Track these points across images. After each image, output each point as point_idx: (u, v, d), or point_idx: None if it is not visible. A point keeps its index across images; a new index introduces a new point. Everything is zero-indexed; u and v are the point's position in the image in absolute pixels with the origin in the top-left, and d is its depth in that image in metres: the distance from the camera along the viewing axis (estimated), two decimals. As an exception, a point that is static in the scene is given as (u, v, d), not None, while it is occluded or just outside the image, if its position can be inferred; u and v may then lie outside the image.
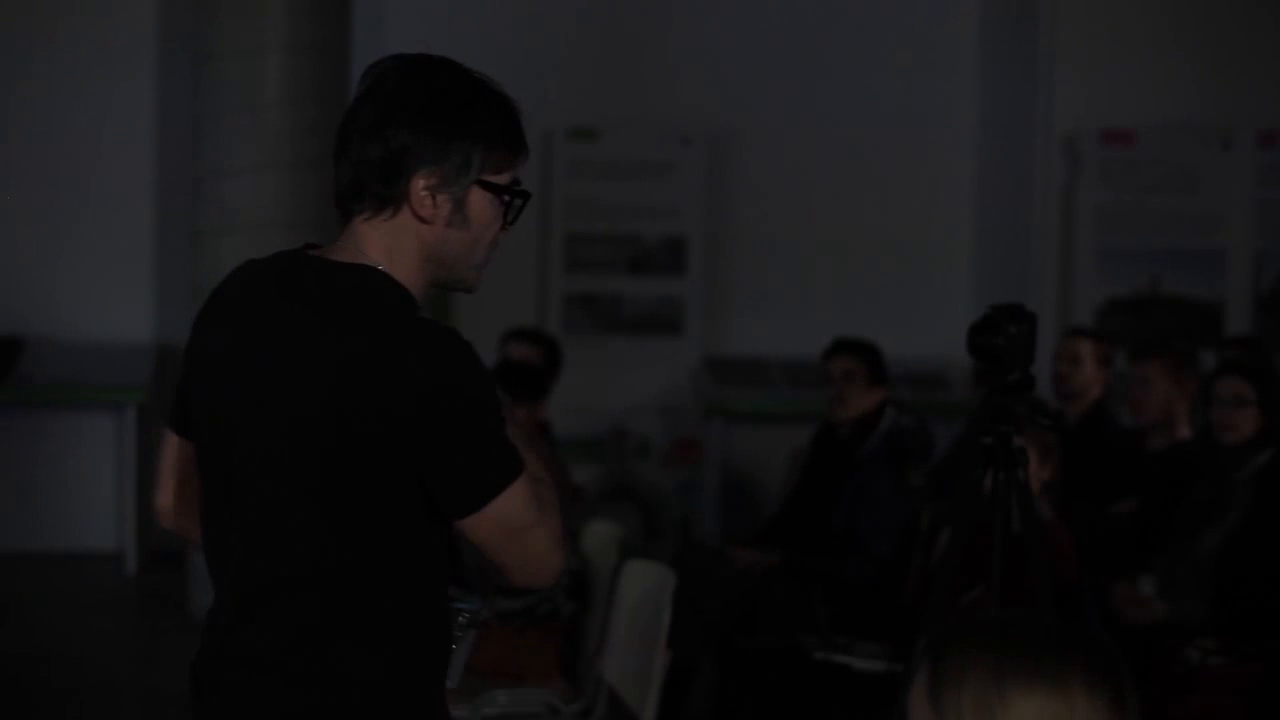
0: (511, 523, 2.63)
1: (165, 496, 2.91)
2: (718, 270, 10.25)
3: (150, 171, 9.89)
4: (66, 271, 9.82)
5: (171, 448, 2.88)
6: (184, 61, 9.10)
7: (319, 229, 8.38)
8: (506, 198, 2.73)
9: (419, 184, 2.67)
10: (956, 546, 4.52)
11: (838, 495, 6.70)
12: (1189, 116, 9.84)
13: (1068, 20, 9.81)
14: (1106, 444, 6.97)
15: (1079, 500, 6.43)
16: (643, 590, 5.12)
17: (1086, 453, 6.70)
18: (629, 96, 10.16)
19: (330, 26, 8.51)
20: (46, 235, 9.84)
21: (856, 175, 10.30)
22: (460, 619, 2.77)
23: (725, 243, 10.27)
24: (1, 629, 8.21)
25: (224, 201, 8.42)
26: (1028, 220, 9.96)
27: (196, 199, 8.65)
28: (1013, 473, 4.44)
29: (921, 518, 6.61)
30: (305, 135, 8.36)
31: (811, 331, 8.73)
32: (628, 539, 6.25)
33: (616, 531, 6.02)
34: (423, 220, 2.69)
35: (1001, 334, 4.41)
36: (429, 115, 2.67)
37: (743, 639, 6.33)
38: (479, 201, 2.71)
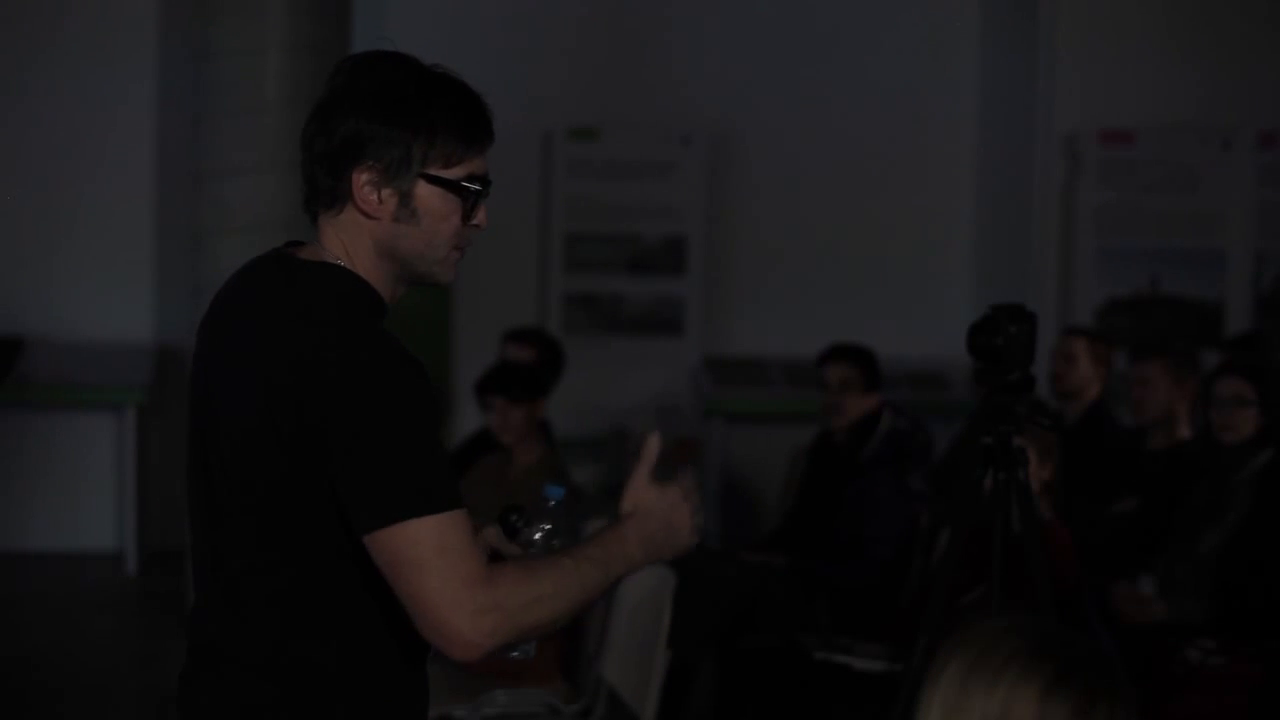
0: (402, 558, 2.48)
1: None
2: (718, 270, 10.25)
3: (150, 171, 9.88)
4: (66, 271, 9.82)
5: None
6: (184, 61, 9.10)
7: (318, 229, 8.39)
8: (461, 191, 2.65)
9: (360, 178, 2.62)
10: (956, 547, 4.52)
11: (840, 501, 6.70)
12: (1189, 116, 9.84)
13: (1068, 21, 9.81)
14: (1106, 444, 6.97)
15: (1079, 500, 6.43)
16: (643, 590, 5.12)
17: (1086, 453, 6.70)
18: (629, 96, 10.16)
19: (330, 26, 8.52)
20: (46, 235, 9.84)
21: (856, 175, 10.30)
22: (550, 504, 2.74)
23: (725, 243, 10.27)
24: (2, 628, 8.21)
25: (224, 201, 8.43)
26: (1028, 220, 9.95)
27: (196, 199, 8.66)
28: (1013, 473, 4.44)
29: (921, 518, 6.61)
30: (305, 135, 8.36)
31: (811, 332, 8.74)
32: (628, 539, 6.24)
33: (616, 531, 6.01)
34: (368, 215, 2.63)
35: (1001, 334, 4.41)
36: (370, 108, 2.61)
37: (743, 639, 6.33)
38: (428, 196, 2.64)
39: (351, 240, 2.66)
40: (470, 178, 2.66)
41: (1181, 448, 6.67)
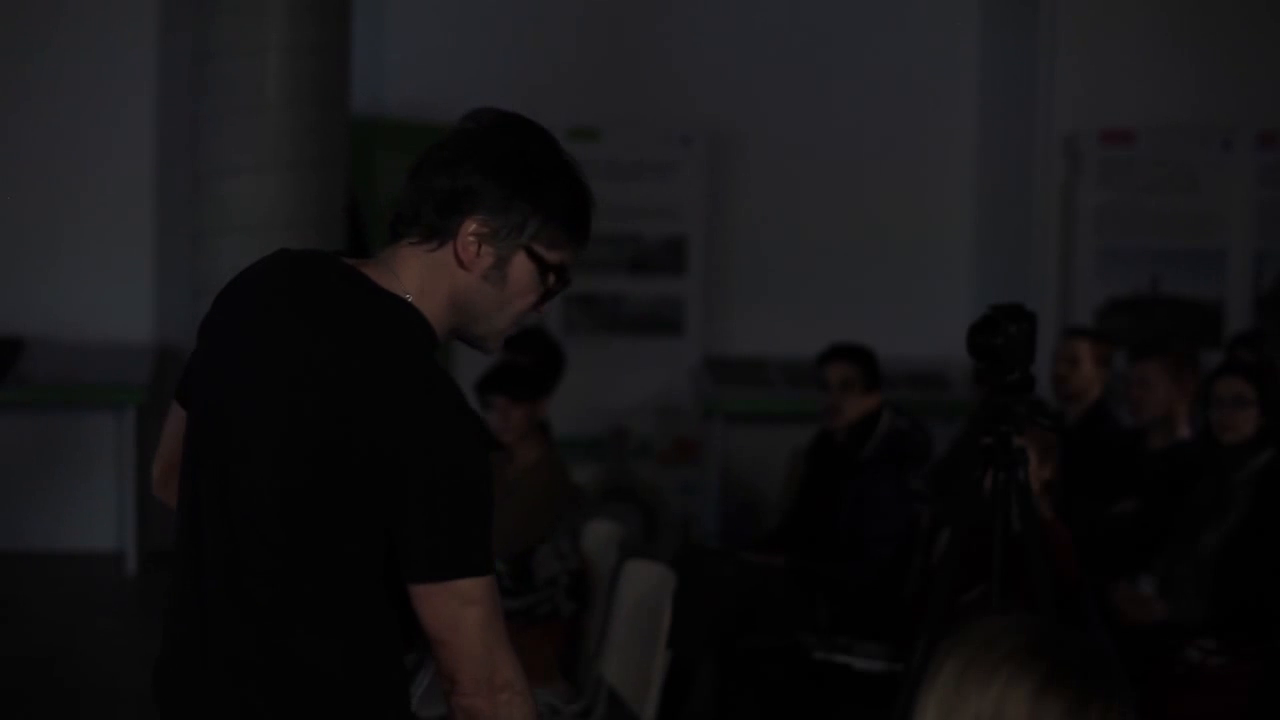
0: (457, 608, 2.60)
1: (161, 464, 2.93)
2: (718, 270, 10.25)
3: (150, 171, 9.88)
4: (66, 271, 9.82)
5: (176, 418, 2.87)
6: (184, 61, 9.09)
7: (319, 229, 8.38)
8: (550, 278, 2.77)
9: (470, 226, 2.68)
10: (956, 546, 4.52)
11: (839, 501, 6.70)
12: (1189, 116, 9.84)
13: (1068, 20, 9.81)
14: (1106, 444, 6.97)
15: (1079, 500, 6.42)
16: (643, 590, 5.12)
17: (1086, 453, 6.70)
18: (629, 96, 10.16)
19: (330, 26, 8.51)
20: (46, 235, 9.83)
21: (856, 175, 10.30)
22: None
23: (725, 243, 10.27)
24: (1, 629, 8.21)
25: (224, 201, 8.42)
26: (1028, 220, 9.95)
27: (196, 199, 8.65)
28: (1013, 473, 4.44)
29: (921, 518, 6.61)
30: (305, 135, 8.36)
31: (811, 331, 8.74)
32: (628, 539, 6.25)
33: (616, 531, 6.02)
34: (461, 264, 2.69)
35: (1001, 334, 4.41)
36: (504, 167, 2.69)
37: (743, 639, 6.33)
38: (521, 267, 2.73)
39: (432, 279, 2.70)
40: (560, 267, 2.79)
41: (1181, 448, 6.67)
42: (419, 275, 2.70)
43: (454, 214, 2.68)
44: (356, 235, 9.10)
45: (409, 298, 2.69)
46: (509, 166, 2.69)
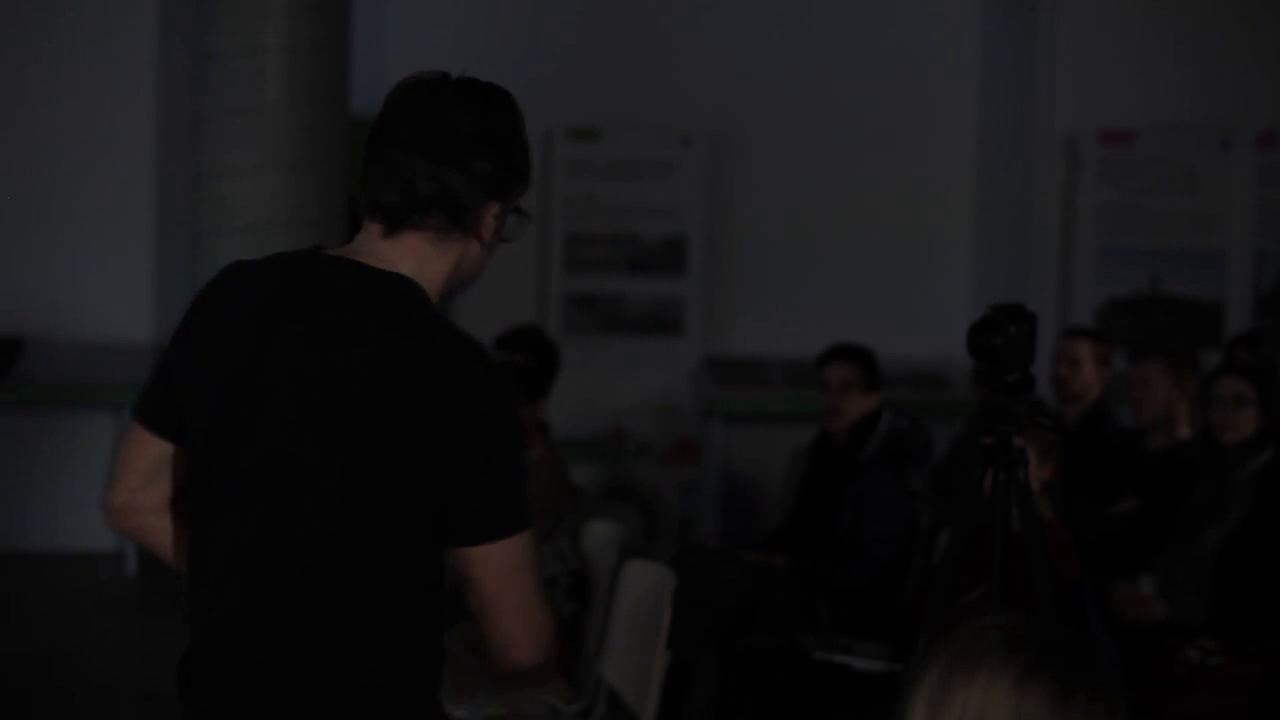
0: (516, 565, 2.66)
1: (123, 493, 2.84)
2: (718, 270, 10.25)
3: (150, 171, 9.88)
4: (66, 271, 9.82)
5: (143, 445, 2.81)
6: (184, 61, 9.10)
7: (319, 229, 8.39)
8: (517, 218, 2.81)
9: (491, 210, 2.75)
10: (956, 547, 4.52)
11: (840, 501, 6.69)
12: (1189, 116, 9.84)
13: (1068, 20, 9.81)
14: (1106, 444, 6.97)
15: (1079, 500, 6.42)
16: (643, 590, 5.12)
17: (1086, 453, 6.69)
18: (629, 96, 10.16)
19: (330, 26, 8.51)
20: (47, 235, 9.83)
21: (856, 175, 10.30)
22: None
23: (725, 243, 10.27)
24: (1, 629, 8.21)
25: (224, 201, 8.42)
26: (1028, 220, 9.96)
27: (196, 199, 8.65)
28: (1013, 473, 4.44)
29: (921, 518, 6.61)
30: (305, 135, 8.36)
31: (812, 332, 8.74)
32: (628, 539, 6.25)
33: (616, 531, 6.02)
34: (481, 242, 2.76)
35: (1001, 334, 4.41)
36: (508, 151, 2.75)
37: (743, 639, 6.32)
38: (499, 223, 2.79)
39: (438, 260, 2.74)
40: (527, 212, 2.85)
41: (1181, 448, 6.67)
42: (420, 258, 2.72)
43: (476, 201, 2.73)
44: (356, 235, 9.09)
45: (408, 275, 2.71)
46: (508, 148, 2.75)
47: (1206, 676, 5.49)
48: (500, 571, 2.66)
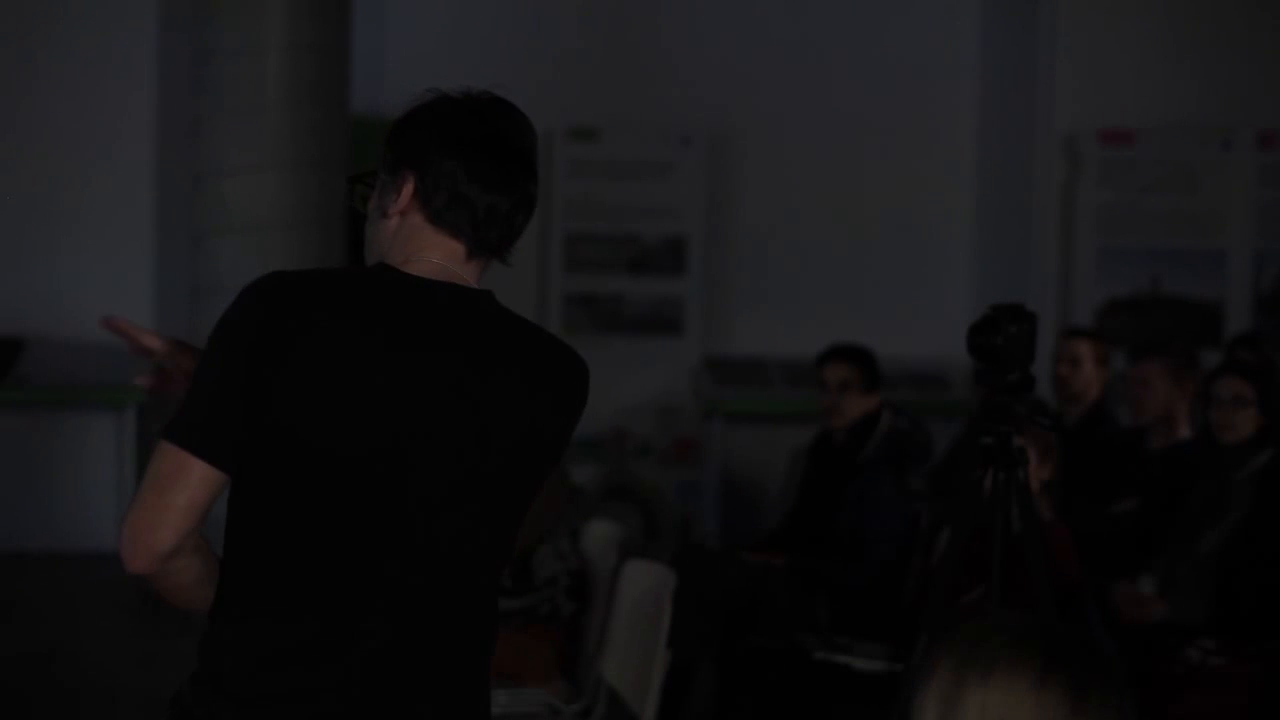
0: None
1: (175, 536, 2.58)
2: (718, 270, 10.25)
3: (150, 171, 9.88)
4: (66, 271, 9.81)
5: (207, 482, 2.58)
6: (184, 61, 9.10)
7: (319, 229, 8.39)
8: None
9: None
10: (956, 547, 4.52)
11: (839, 501, 6.69)
12: (1189, 116, 9.84)
13: (1068, 20, 9.81)
14: (1106, 444, 6.96)
15: (1079, 500, 6.42)
16: (643, 590, 5.12)
17: (1086, 453, 6.70)
18: (629, 96, 10.16)
19: (330, 26, 8.51)
20: (46, 235, 9.83)
21: (856, 175, 10.30)
22: None
23: (725, 243, 10.27)
24: (1, 629, 8.21)
25: (224, 201, 8.42)
26: (1028, 220, 9.96)
27: (196, 199, 8.65)
28: (1013, 473, 4.44)
29: (921, 518, 6.61)
30: (305, 135, 8.36)
31: (811, 331, 8.73)
32: (628, 539, 6.25)
33: (616, 531, 6.02)
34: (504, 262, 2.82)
35: (1001, 334, 4.41)
36: (533, 164, 2.77)
37: (743, 639, 6.32)
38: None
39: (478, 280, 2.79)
40: None
41: (1181, 448, 6.67)
42: (478, 276, 2.78)
43: (519, 230, 2.76)
44: (357, 235, 9.10)
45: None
46: (533, 161, 2.77)
47: (1206, 676, 5.49)
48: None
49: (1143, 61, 9.86)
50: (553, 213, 9.98)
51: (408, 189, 2.71)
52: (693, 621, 5.99)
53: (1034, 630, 2.06)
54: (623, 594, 5.24)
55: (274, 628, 2.61)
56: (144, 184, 9.88)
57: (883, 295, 10.21)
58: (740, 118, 10.23)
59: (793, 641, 6.03)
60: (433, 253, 2.70)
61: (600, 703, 5.35)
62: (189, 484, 2.57)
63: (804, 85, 10.25)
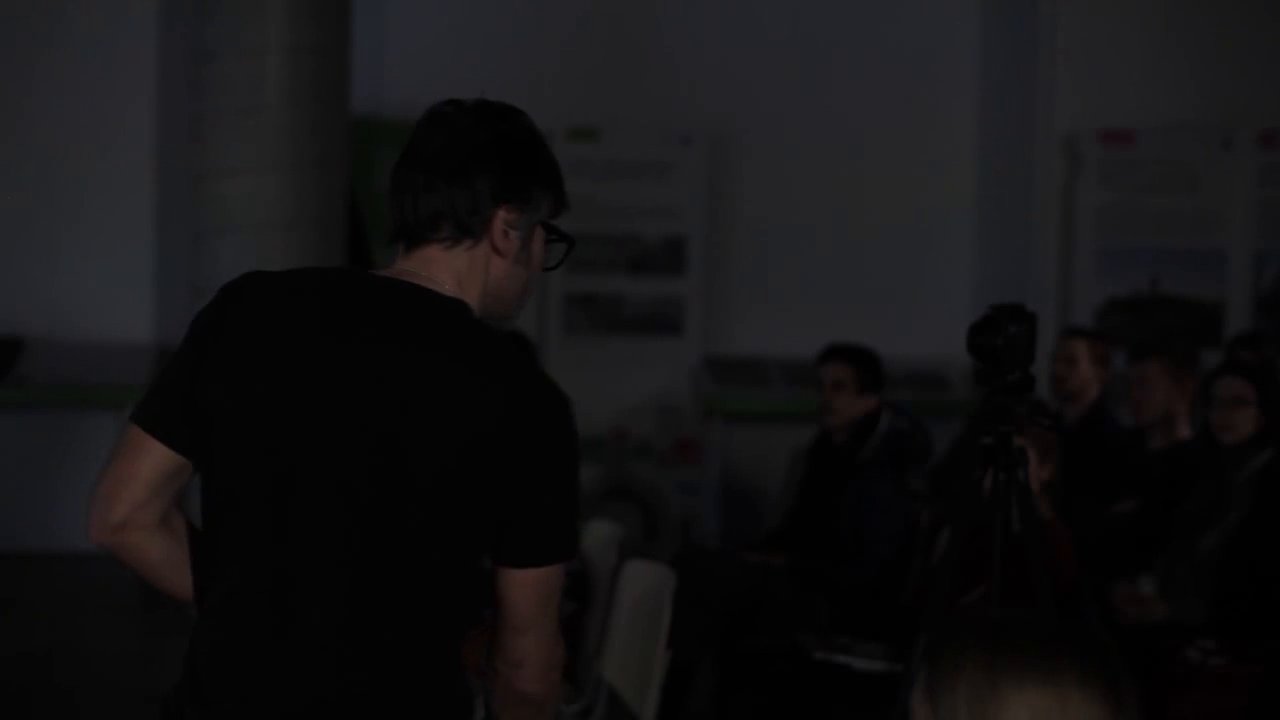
0: (550, 591, 2.71)
1: (122, 509, 2.70)
2: (718, 270, 10.25)
3: (150, 171, 9.88)
4: (66, 271, 9.82)
5: (150, 457, 2.70)
6: (184, 61, 9.10)
7: (319, 229, 8.39)
8: (553, 241, 2.86)
9: (501, 217, 2.77)
10: (956, 547, 4.52)
11: (839, 501, 6.69)
12: (1189, 116, 9.84)
13: (1068, 20, 9.81)
14: (1106, 444, 6.97)
15: (1079, 500, 6.42)
16: (643, 590, 5.12)
17: (1086, 453, 6.70)
18: (629, 96, 10.16)
19: (330, 26, 8.51)
20: (46, 235, 9.84)
21: (856, 175, 10.30)
22: None
23: (725, 243, 10.27)
24: (3, 628, 8.21)
25: (224, 201, 8.42)
26: (1028, 220, 9.95)
27: (196, 199, 8.65)
28: (1013, 473, 4.44)
29: (921, 518, 6.61)
30: (305, 135, 8.36)
31: (811, 331, 8.73)
32: (628, 539, 6.25)
33: (616, 531, 6.02)
34: (498, 253, 2.78)
35: (1001, 334, 4.41)
36: (514, 156, 2.78)
37: (743, 639, 6.32)
38: (539, 241, 2.84)
39: (469, 275, 2.77)
40: (567, 233, 2.90)
41: (1181, 448, 6.67)
42: (456, 275, 2.76)
43: (483, 210, 2.75)
44: (356, 235, 9.09)
45: (462, 299, 2.75)
46: (516, 153, 2.78)
47: (1206, 676, 5.49)
48: (536, 596, 2.70)
49: (1143, 61, 9.86)
50: (553, 213, 9.98)
51: None
52: (693, 621, 5.99)
53: (1067, 632, 2.05)
54: (623, 594, 5.24)
55: (215, 619, 2.70)
56: (144, 184, 9.88)
57: (883, 295, 10.21)
58: (740, 118, 10.23)
59: (793, 641, 6.03)
60: (397, 259, 2.81)
61: (600, 703, 5.35)
62: (137, 458, 2.70)
63: (804, 85, 10.25)
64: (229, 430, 2.65)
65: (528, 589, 2.69)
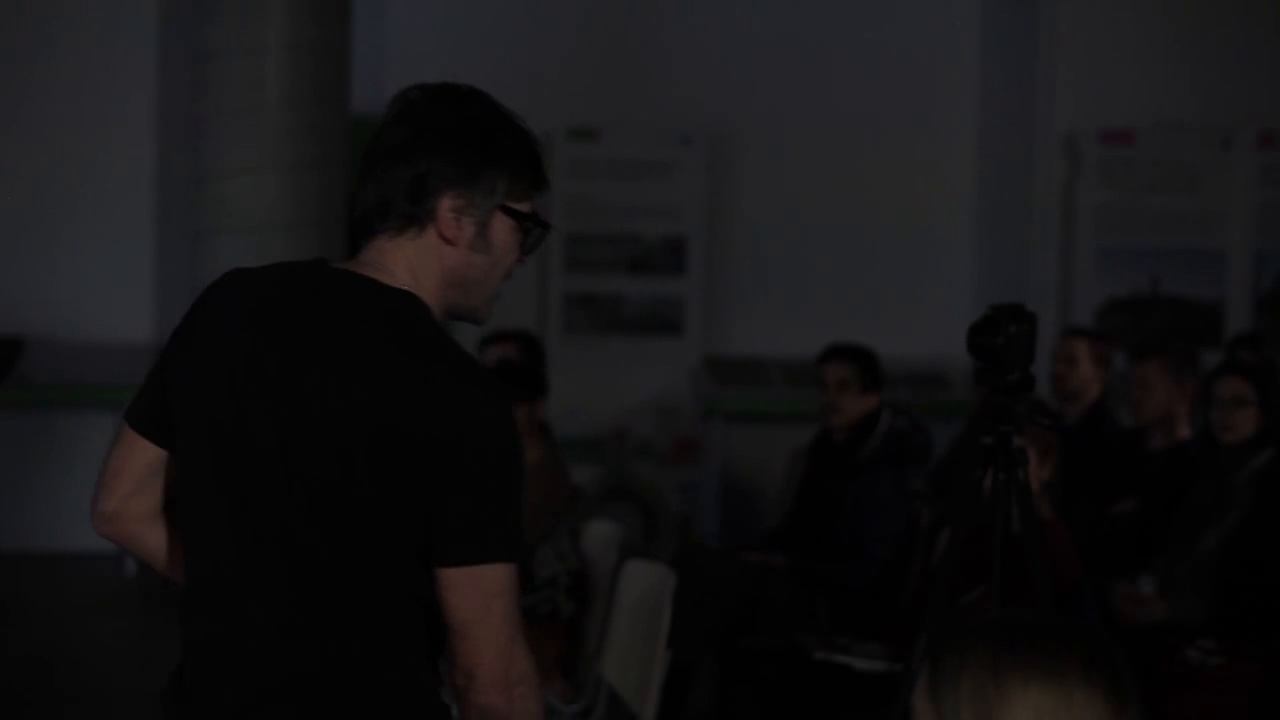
0: (489, 593, 2.60)
1: (113, 500, 2.80)
2: (718, 270, 10.25)
3: (150, 171, 9.88)
4: (66, 271, 9.82)
5: (135, 450, 2.78)
6: (184, 61, 9.10)
7: (319, 229, 8.39)
8: (526, 227, 2.76)
9: (446, 204, 2.69)
10: (956, 547, 4.52)
11: (839, 501, 6.69)
12: (1189, 116, 9.84)
13: (1068, 20, 9.81)
14: (1106, 444, 6.97)
15: (1079, 500, 6.42)
16: (643, 590, 5.12)
17: (1086, 453, 6.70)
18: (629, 96, 10.16)
19: (330, 26, 8.52)
20: (46, 235, 9.84)
21: (856, 175, 10.30)
22: None
23: (725, 243, 10.27)
24: (1, 629, 8.21)
25: (224, 201, 8.43)
26: (1028, 220, 9.96)
27: (196, 199, 8.65)
28: (1013, 473, 4.44)
29: (921, 518, 6.61)
30: (305, 135, 8.36)
31: (811, 332, 8.74)
32: (628, 539, 6.25)
33: (616, 531, 6.03)
34: (447, 241, 2.70)
35: (1001, 334, 4.41)
36: (459, 139, 2.69)
37: (743, 639, 6.32)
38: (501, 228, 2.73)
39: (421, 265, 2.70)
40: (535, 215, 2.79)
41: (1181, 448, 6.67)
42: (408, 263, 2.70)
43: (426, 196, 2.68)
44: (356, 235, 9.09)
45: (411, 290, 2.69)
46: (464, 136, 2.70)
47: (1206, 676, 5.49)
48: (473, 599, 2.59)
49: (1143, 61, 9.87)
50: (553, 213, 9.96)
51: None
52: (693, 621, 5.99)
53: (1069, 631, 2.05)
54: (623, 594, 5.24)
55: (185, 611, 2.75)
56: (144, 184, 9.88)
57: (883, 295, 10.21)
58: (740, 118, 10.24)
59: (793, 641, 6.03)
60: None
61: (600, 703, 5.35)
62: (125, 453, 2.79)
63: (804, 85, 10.25)
64: (184, 424, 2.71)
65: (461, 590, 2.59)
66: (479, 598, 2.60)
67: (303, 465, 2.60)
